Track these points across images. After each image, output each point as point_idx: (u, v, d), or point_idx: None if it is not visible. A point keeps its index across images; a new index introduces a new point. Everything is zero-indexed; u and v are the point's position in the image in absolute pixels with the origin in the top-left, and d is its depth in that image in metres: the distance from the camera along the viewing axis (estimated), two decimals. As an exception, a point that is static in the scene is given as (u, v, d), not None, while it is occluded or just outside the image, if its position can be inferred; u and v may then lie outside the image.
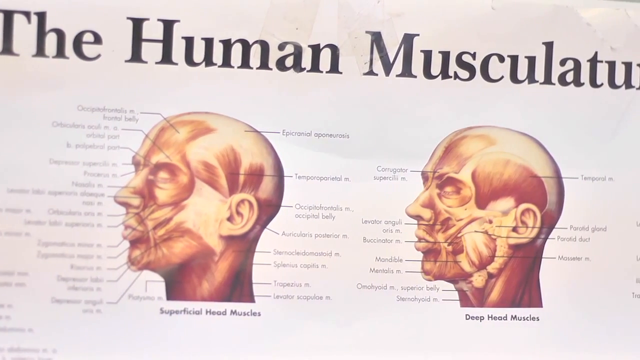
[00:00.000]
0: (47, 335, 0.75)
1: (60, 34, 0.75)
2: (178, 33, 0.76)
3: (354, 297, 0.78)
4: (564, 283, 0.80)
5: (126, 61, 0.75)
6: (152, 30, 0.76)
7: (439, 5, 0.78)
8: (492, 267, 0.79)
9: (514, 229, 0.79)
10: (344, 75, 0.77)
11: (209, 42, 0.76)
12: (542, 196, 0.79)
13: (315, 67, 0.77)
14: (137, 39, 0.75)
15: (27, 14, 0.75)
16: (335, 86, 0.77)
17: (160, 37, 0.76)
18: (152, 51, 0.76)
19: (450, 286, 0.79)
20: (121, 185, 0.76)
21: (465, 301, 0.79)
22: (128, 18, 0.75)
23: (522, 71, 0.79)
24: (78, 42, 0.75)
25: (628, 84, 0.80)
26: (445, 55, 0.78)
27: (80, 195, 0.75)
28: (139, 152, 0.76)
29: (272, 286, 0.77)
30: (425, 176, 0.78)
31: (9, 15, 0.74)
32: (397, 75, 0.78)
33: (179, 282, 0.76)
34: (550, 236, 0.79)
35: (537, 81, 0.79)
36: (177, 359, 0.76)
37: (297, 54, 0.77)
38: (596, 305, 0.80)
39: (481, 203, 0.79)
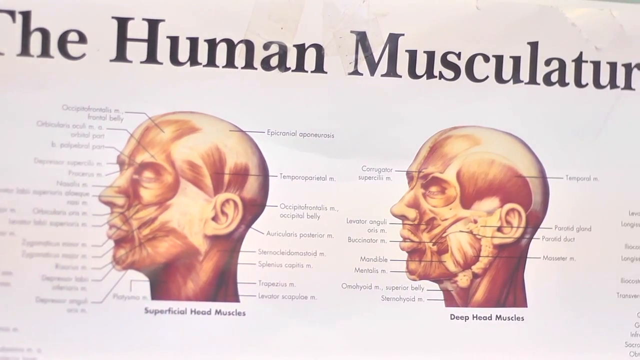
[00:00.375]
0: (31, 335, 0.75)
1: (45, 33, 0.75)
2: (163, 32, 0.76)
3: (339, 297, 0.78)
4: (548, 283, 0.80)
5: (111, 60, 0.75)
6: (137, 29, 0.75)
7: (424, 5, 0.78)
8: (477, 267, 0.79)
9: (499, 229, 0.79)
10: (329, 75, 0.77)
11: (193, 42, 0.76)
12: (527, 196, 0.79)
13: (300, 67, 0.77)
14: (122, 39, 0.75)
15: (11, 13, 0.74)
16: (320, 86, 0.77)
17: (145, 37, 0.76)
18: (137, 50, 0.76)
19: (435, 286, 0.79)
20: (106, 185, 0.76)
21: (450, 301, 0.79)
22: (113, 17, 0.75)
23: (507, 71, 0.79)
24: (63, 41, 0.75)
25: (613, 84, 0.80)
26: (430, 55, 0.78)
27: (65, 194, 0.75)
28: (124, 152, 0.76)
29: (257, 286, 0.77)
30: (410, 176, 0.78)
31: (-7, 14, 0.74)
32: (382, 75, 0.78)
33: (163, 282, 0.76)
34: (535, 236, 0.80)
35: (522, 81, 0.79)
36: (161, 359, 0.76)
37: (282, 53, 0.77)
38: (581, 305, 0.80)
39: (466, 203, 0.79)
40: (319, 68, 0.77)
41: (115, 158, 0.75)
